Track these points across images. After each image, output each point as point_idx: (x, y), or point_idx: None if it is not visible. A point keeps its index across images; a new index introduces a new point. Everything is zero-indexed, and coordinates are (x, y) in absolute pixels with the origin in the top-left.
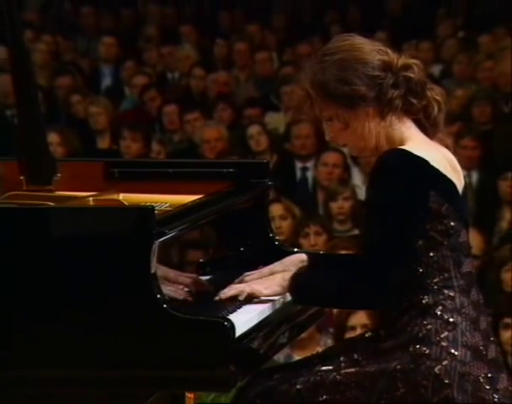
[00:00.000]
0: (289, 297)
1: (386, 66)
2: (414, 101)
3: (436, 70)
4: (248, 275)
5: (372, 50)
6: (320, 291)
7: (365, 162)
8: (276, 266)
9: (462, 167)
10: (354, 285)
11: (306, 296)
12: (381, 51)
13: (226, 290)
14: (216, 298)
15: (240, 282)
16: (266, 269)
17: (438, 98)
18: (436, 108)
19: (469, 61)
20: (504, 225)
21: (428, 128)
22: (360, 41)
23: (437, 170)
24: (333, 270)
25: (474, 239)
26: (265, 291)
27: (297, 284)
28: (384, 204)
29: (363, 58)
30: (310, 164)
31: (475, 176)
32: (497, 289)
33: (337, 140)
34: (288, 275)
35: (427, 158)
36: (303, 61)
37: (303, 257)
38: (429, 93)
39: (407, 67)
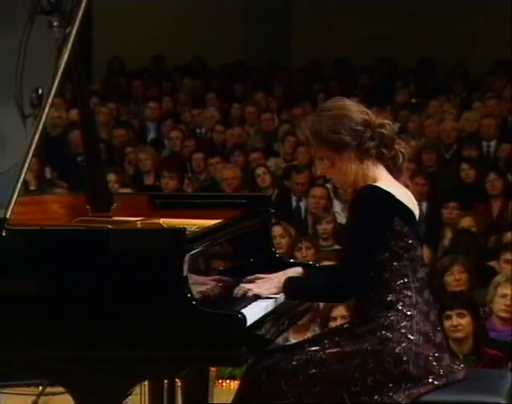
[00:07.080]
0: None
1: (367, 123)
2: (385, 151)
3: (395, 127)
4: (253, 277)
5: (357, 111)
6: (306, 291)
7: (343, 195)
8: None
9: (415, 198)
10: (331, 285)
11: (295, 294)
12: (364, 112)
13: (236, 290)
14: (232, 295)
15: (249, 282)
16: (273, 276)
17: (403, 150)
18: (401, 158)
19: (420, 121)
20: (446, 242)
21: (394, 172)
22: (349, 103)
23: (400, 202)
24: (318, 276)
25: (424, 252)
26: (264, 292)
27: (288, 285)
28: (358, 226)
29: (350, 115)
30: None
31: (424, 205)
32: (441, 289)
33: (325, 174)
34: (282, 279)
35: (393, 193)
36: (297, 121)
37: (300, 269)
38: (396, 147)
39: (381, 126)
